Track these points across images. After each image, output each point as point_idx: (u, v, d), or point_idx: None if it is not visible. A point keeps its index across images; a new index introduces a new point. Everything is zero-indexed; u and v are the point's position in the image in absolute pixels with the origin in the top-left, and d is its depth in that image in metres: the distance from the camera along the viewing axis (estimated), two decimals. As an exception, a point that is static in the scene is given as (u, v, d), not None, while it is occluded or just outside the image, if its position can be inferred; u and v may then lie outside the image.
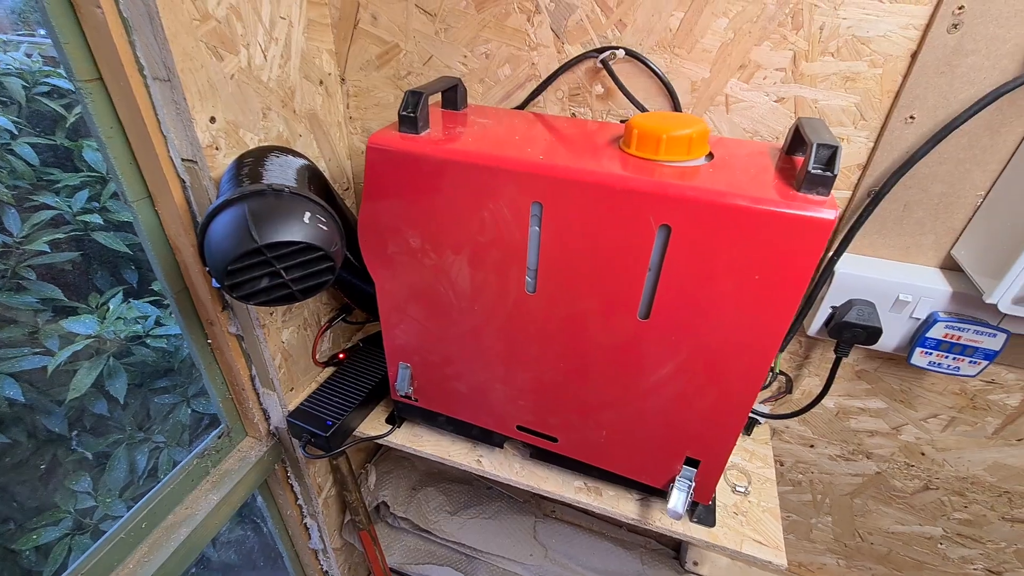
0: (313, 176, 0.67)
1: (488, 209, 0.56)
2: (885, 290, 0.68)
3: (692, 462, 0.65)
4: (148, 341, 1.00)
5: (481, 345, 0.67)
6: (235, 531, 1.13)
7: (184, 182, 0.65)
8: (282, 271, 0.54)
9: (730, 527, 0.72)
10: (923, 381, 0.79)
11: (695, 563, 1.07)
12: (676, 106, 0.70)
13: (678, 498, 0.64)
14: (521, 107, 0.77)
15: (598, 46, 0.70)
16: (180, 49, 0.56)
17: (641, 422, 0.64)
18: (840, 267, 0.69)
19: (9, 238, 0.85)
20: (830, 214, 0.44)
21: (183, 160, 0.63)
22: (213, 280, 0.58)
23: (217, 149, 0.63)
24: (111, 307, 0.96)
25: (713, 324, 0.53)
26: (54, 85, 0.95)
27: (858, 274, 0.68)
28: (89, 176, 0.96)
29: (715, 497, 0.75)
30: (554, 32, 0.71)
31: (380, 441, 0.83)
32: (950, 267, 0.68)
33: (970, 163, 0.62)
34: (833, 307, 0.71)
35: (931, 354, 0.69)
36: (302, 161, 0.67)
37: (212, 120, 0.62)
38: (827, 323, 0.72)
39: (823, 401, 0.86)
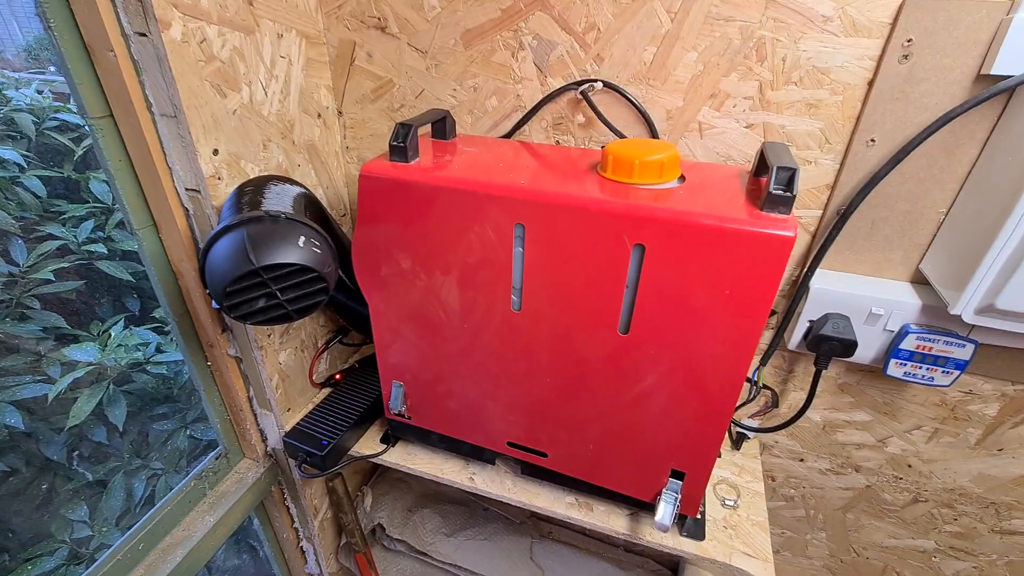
0: (309, 203, 0.70)
1: (474, 232, 0.59)
2: (858, 304, 0.71)
3: (678, 474, 0.66)
4: (149, 368, 1.02)
5: (471, 362, 0.70)
6: (231, 556, 1.13)
7: (188, 210, 0.68)
8: (278, 292, 0.57)
9: (719, 540, 0.73)
10: (904, 393, 0.81)
11: (692, 583, 1.07)
12: (653, 133, 0.74)
13: (665, 510, 0.65)
14: (508, 136, 0.82)
15: (578, 79, 0.74)
16: (186, 87, 0.61)
17: (626, 435, 0.66)
18: (815, 282, 0.72)
19: (15, 268, 0.88)
20: (790, 232, 0.47)
21: (187, 190, 0.67)
22: (213, 302, 0.60)
23: (219, 179, 0.67)
24: (113, 334, 0.98)
25: (689, 337, 0.56)
26: (63, 120, 0.99)
27: (832, 289, 0.71)
28: (95, 207, 1.00)
29: (704, 511, 0.77)
30: (537, 67, 0.76)
31: (374, 460, 0.84)
32: (919, 281, 0.71)
33: (930, 182, 0.66)
34: (811, 321, 0.74)
35: (905, 364, 0.71)
36: (299, 189, 0.70)
37: (215, 152, 0.66)
38: (805, 336, 0.75)
39: (810, 415, 0.89)
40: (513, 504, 0.79)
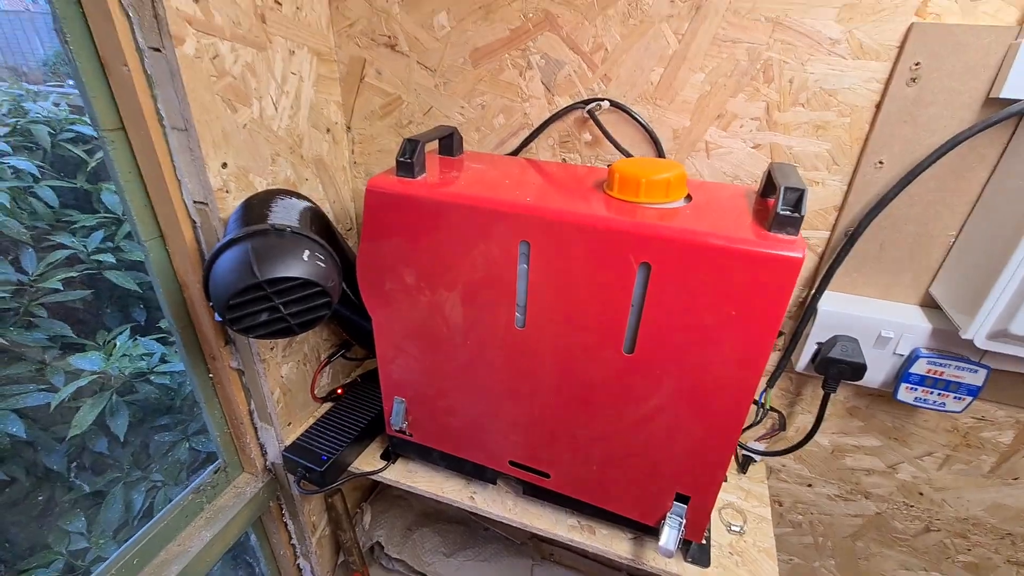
0: (315, 217, 0.70)
1: (479, 248, 0.59)
2: (867, 327, 0.69)
3: (683, 498, 0.65)
4: (152, 378, 1.02)
5: (474, 379, 0.69)
6: (227, 573, 1.11)
7: (195, 223, 0.69)
8: (280, 305, 0.57)
9: (725, 567, 0.71)
10: (915, 418, 0.79)
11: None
12: (660, 152, 0.74)
13: (669, 535, 0.64)
14: (514, 153, 0.82)
15: (585, 98, 0.75)
16: (198, 102, 0.61)
17: (630, 457, 0.64)
18: (823, 304, 0.71)
19: (25, 276, 0.89)
20: (798, 253, 0.47)
21: (195, 202, 0.67)
22: (216, 314, 0.60)
23: (227, 192, 0.68)
24: (118, 344, 0.99)
25: (695, 358, 0.55)
26: (78, 132, 1.01)
27: (841, 311, 0.70)
28: (106, 217, 1.01)
29: (709, 536, 0.75)
30: (544, 85, 0.76)
31: (374, 477, 0.83)
32: (930, 304, 0.70)
33: (940, 205, 0.65)
34: (819, 343, 0.73)
35: (916, 389, 0.69)
36: (305, 203, 0.71)
37: (224, 166, 0.67)
38: (813, 359, 0.74)
39: (818, 439, 0.87)
40: (514, 525, 0.78)
